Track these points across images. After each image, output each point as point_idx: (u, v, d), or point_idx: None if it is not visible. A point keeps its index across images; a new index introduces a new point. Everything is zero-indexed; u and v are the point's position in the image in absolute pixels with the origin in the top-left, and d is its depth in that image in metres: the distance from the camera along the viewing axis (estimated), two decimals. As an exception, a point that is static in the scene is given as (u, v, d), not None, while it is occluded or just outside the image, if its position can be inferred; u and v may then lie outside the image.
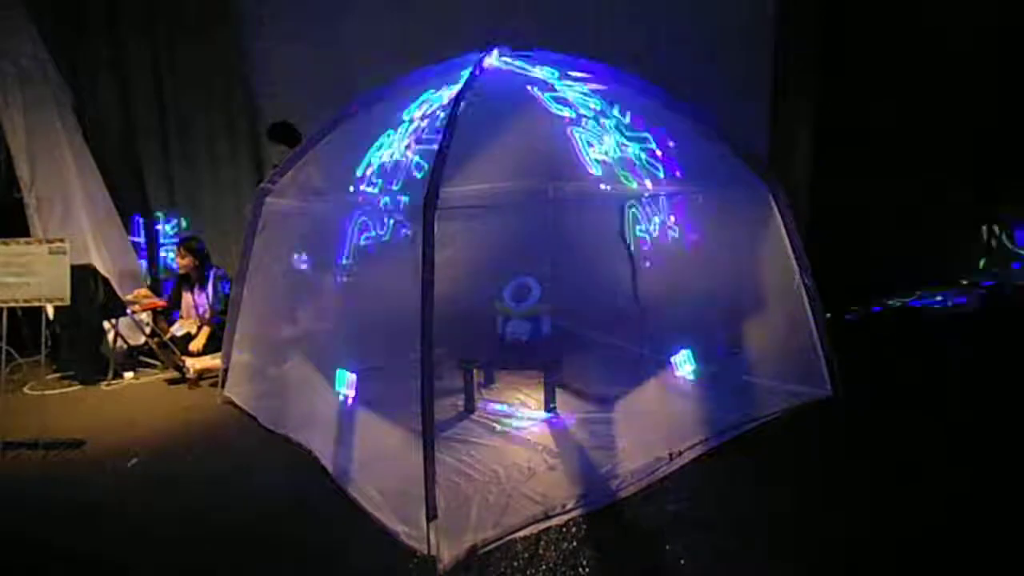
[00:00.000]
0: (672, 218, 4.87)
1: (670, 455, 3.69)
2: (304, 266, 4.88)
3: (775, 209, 4.47)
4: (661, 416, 4.16)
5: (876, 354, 5.51)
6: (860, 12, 6.99)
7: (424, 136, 4.02)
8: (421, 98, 4.19)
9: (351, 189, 4.47)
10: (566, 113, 4.64)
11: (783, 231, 4.47)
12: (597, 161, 4.83)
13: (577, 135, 4.79)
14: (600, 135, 4.75)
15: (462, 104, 3.54)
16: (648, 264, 5.05)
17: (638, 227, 5.08)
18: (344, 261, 4.64)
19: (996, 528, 3.05)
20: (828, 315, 4.62)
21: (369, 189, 4.36)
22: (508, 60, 4.17)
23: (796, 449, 3.91)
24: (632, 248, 5.20)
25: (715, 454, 3.80)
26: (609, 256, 5.31)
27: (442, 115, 3.77)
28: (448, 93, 3.94)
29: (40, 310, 5.22)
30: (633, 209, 5.08)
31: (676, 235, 4.87)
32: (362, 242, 4.63)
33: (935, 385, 4.83)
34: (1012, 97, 6.69)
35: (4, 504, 3.64)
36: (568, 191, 5.41)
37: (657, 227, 4.95)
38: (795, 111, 7.12)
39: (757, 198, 4.50)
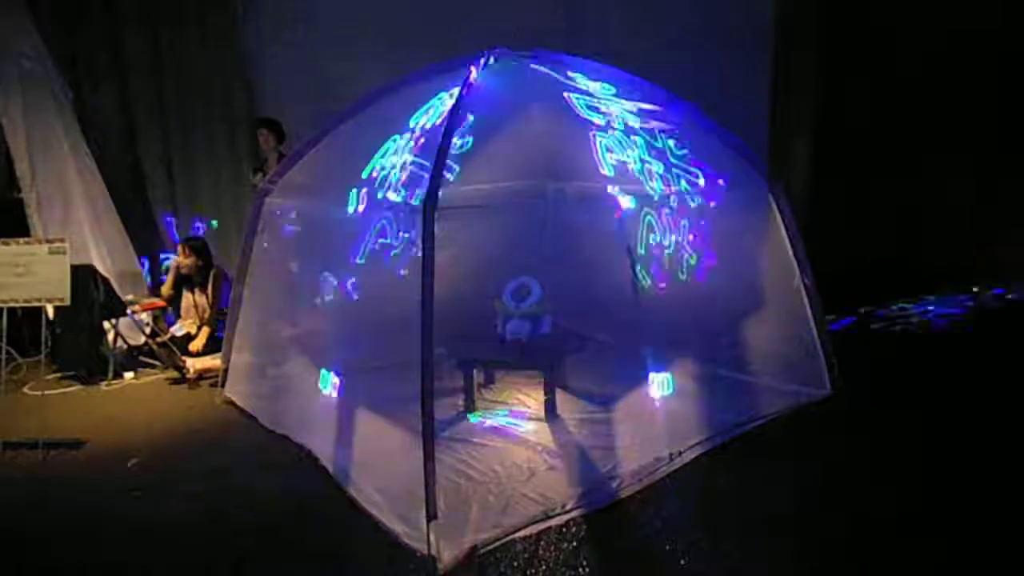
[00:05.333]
0: (691, 237, 4.78)
1: (670, 455, 3.69)
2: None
3: (775, 209, 4.48)
4: (661, 416, 4.16)
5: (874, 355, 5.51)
6: (860, 12, 6.99)
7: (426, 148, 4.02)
8: (427, 105, 4.17)
9: (356, 191, 4.45)
10: (596, 119, 4.52)
11: (783, 231, 4.47)
12: (611, 164, 4.74)
13: (598, 139, 4.71)
14: (624, 145, 4.67)
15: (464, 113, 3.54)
16: (662, 286, 5.01)
17: (651, 236, 4.98)
18: (359, 261, 4.64)
19: (998, 527, 3.05)
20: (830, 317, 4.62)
21: (393, 196, 4.33)
22: (545, 68, 4.13)
23: (796, 449, 3.91)
24: (632, 249, 5.20)
25: (715, 454, 3.80)
26: (609, 255, 5.31)
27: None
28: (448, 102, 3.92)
29: (40, 310, 5.21)
30: (648, 217, 4.97)
31: (692, 261, 4.79)
32: (377, 246, 4.64)
33: (934, 385, 4.83)
34: (1013, 97, 6.69)
35: (4, 504, 3.64)
36: (568, 191, 5.41)
37: (672, 246, 4.87)
38: (795, 111, 7.12)
39: (757, 198, 4.51)
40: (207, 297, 5.92)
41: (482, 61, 3.87)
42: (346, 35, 7.05)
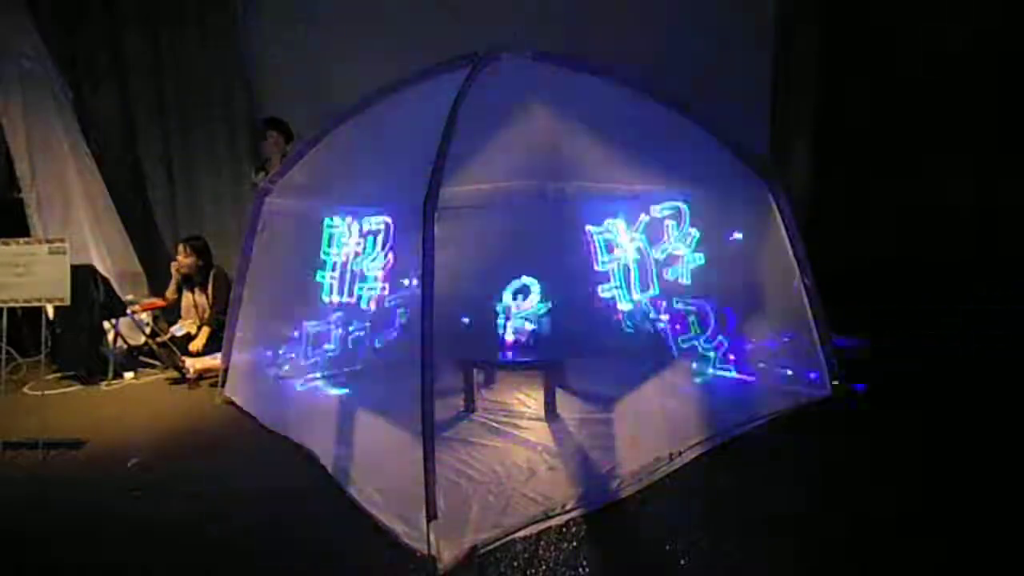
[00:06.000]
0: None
1: (670, 455, 3.69)
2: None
3: (775, 208, 4.48)
4: (661, 416, 4.17)
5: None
6: (860, 12, 6.99)
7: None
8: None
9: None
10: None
11: (783, 231, 4.48)
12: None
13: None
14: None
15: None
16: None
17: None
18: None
19: (998, 527, 3.05)
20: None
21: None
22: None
23: (796, 449, 3.91)
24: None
25: (715, 454, 3.80)
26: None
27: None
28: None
29: (40, 310, 5.21)
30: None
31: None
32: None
33: (934, 385, 4.83)
34: (1013, 97, 6.68)
35: (4, 504, 3.64)
36: (568, 191, 5.40)
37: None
38: (795, 111, 7.11)
39: (757, 197, 4.51)
40: (207, 297, 5.92)
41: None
42: (346, 35, 7.05)
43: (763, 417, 4.19)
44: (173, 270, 6.00)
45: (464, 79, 3.75)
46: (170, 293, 6.07)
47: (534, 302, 4.75)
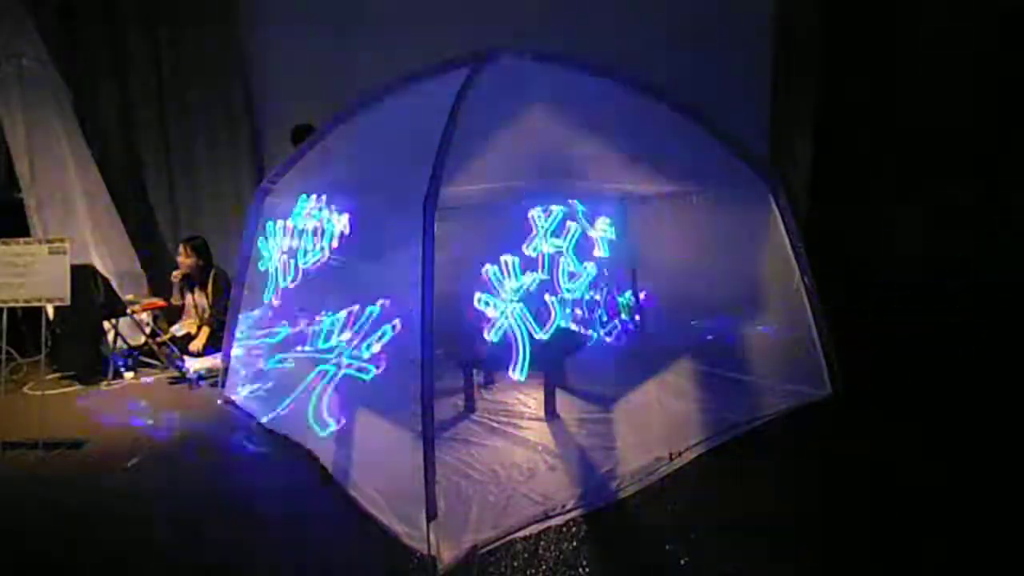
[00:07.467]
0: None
1: (670, 455, 3.69)
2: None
3: (775, 208, 4.48)
4: (661, 416, 4.17)
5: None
6: (860, 12, 6.99)
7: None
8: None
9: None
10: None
11: (783, 230, 4.48)
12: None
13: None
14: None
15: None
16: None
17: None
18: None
19: (998, 527, 3.05)
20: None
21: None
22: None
23: (796, 449, 3.91)
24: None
25: (715, 454, 3.81)
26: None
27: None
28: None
29: (40, 310, 5.21)
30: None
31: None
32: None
33: (934, 385, 4.83)
34: (1013, 97, 6.69)
35: (4, 504, 3.64)
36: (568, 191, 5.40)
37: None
38: (795, 111, 7.12)
39: (757, 198, 4.51)
40: (207, 297, 5.92)
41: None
42: (346, 35, 7.05)
43: (763, 417, 4.20)
44: (173, 278, 5.99)
45: (464, 79, 3.74)
46: (175, 300, 6.06)
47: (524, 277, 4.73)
